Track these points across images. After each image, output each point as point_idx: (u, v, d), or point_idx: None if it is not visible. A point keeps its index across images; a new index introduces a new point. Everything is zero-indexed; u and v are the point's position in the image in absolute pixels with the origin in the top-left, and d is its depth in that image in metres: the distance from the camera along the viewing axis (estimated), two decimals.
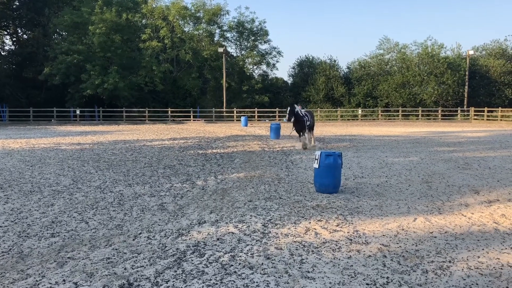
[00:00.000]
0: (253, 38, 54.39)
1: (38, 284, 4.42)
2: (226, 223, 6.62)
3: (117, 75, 41.70)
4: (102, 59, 43.17)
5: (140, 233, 6.13)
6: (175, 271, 4.73)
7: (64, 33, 47.03)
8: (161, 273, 4.67)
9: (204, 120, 42.58)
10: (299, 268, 4.81)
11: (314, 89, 51.39)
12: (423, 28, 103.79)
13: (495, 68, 48.83)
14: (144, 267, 4.84)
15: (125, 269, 4.80)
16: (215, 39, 53.67)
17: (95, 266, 4.89)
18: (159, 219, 6.86)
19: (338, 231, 6.22)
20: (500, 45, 53.17)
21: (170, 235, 6.02)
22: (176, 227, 6.43)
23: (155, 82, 45.41)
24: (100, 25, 41.87)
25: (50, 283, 4.43)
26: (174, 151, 16.20)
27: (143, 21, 50.18)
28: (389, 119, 45.56)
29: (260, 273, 4.67)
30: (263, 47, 55.15)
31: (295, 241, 5.72)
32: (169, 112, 42.78)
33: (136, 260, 5.07)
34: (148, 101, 46.49)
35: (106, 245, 5.61)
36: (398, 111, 45.76)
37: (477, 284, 4.40)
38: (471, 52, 46.93)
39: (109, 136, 23.67)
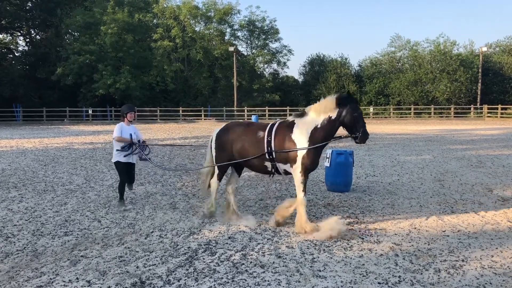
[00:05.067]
0: (263, 36, 54.35)
1: (52, 282, 4.48)
2: (238, 221, 6.63)
3: (129, 75, 41.94)
4: (114, 59, 43.42)
5: (152, 232, 6.17)
6: (187, 270, 4.75)
7: (76, 34, 47.37)
8: (173, 272, 4.70)
9: (215, 119, 42.66)
10: (311, 267, 4.80)
11: (325, 87, 51.11)
12: (435, 25, 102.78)
13: (509, 65, 48.09)
14: (156, 266, 4.88)
15: (137, 267, 4.84)
16: (226, 38, 53.68)
17: (107, 264, 4.94)
18: (171, 218, 6.90)
19: (349, 230, 6.19)
20: None
21: (181, 234, 6.05)
22: (187, 225, 6.46)
23: (166, 81, 45.54)
24: (112, 25, 42.12)
25: (64, 281, 4.49)
26: (186, 150, 16.27)
27: (154, 21, 50.37)
28: (401, 117, 45.17)
29: (272, 271, 4.68)
30: (273, 45, 55.11)
31: (306, 240, 5.71)
32: (181, 111, 42.89)
33: (148, 258, 5.11)
34: (160, 100, 46.66)
35: (118, 244, 5.66)
36: (410, 109, 45.35)
37: (490, 283, 4.36)
38: (484, 49, 46.28)
39: None
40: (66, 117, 41.84)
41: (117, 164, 7.53)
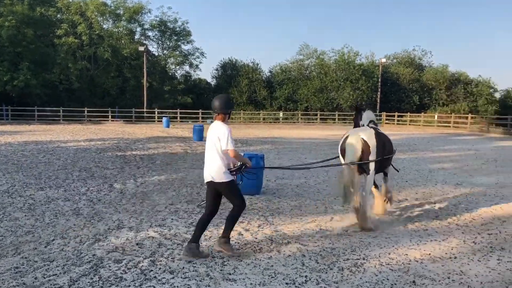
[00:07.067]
0: (175, 38, 53.72)
1: None
2: (146, 227, 6.46)
3: (28, 72, 39.11)
4: (12, 54, 40.21)
5: (53, 240, 5.80)
6: (91, 278, 4.53)
7: None
8: (76, 281, 4.45)
9: (123, 121, 41.16)
10: (221, 270, 4.82)
11: (237, 92, 51.77)
12: (340, 35, 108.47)
13: (405, 75, 52.44)
14: (57, 275, 4.59)
15: (35, 278, 4.51)
16: (136, 37, 52.24)
17: (1, 276, 4.55)
18: (74, 224, 6.53)
19: (259, 232, 6.32)
20: (409, 54, 57.32)
21: (86, 241, 5.75)
22: (92, 232, 6.16)
23: (70, 80, 43.19)
24: (10, 17, 38.94)
25: None
26: (91, 152, 15.50)
27: (58, 15, 47.49)
28: (308, 122, 47.08)
29: (181, 277, 4.62)
30: (186, 47, 54.72)
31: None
32: (86, 111, 40.67)
33: (48, 268, 4.79)
34: (63, 100, 44.02)
35: (14, 254, 5.24)
36: (316, 114, 47.43)
37: (388, 279, 4.68)
38: (384, 60, 49.92)
39: (18, 136, 22.06)
40: None
41: (234, 184, 5.29)
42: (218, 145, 5.04)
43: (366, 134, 6.77)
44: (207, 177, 5.17)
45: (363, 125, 7.66)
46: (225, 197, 5.31)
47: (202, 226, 5.26)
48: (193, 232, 5.31)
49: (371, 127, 7.21)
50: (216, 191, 5.20)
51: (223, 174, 5.07)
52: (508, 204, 8.38)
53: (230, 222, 5.22)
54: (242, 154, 8.90)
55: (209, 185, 5.23)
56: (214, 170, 5.08)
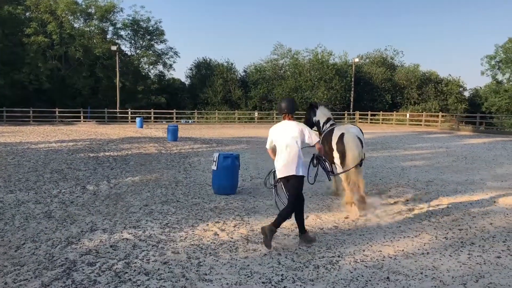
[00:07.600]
0: (148, 37, 53.25)
1: None
2: (120, 229, 6.36)
3: None
4: None
5: (24, 244, 5.65)
6: (64, 282, 4.43)
7: None
8: (48, 285, 4.35)
9: (96, 121, 40.48)
10: (197, 271, 4.79)
11: (212, 91, 51.61)
12: (314, 35, 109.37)
13: (377, 75, 53.29)
14: (28, 280, 4.47)
15: (5, 283, 4.39)
16: (108, 36, 51.49)
17: None
18: (46, 228, 6.38)
19: (235, 231, 6.31)
20: (381, 54, 58.31)
21: (58, 244, 5.62)
22: (65, 235, 6.03)
23: (41, 80, 42.20)
24: None
25: None
26: (63, 154, 15.18)
27: (27, 14, 46.35)
28: None
29: (157, 278, 4.57)
30: (159, 47, 54.34)
31: (192, 244, 5.68)
32: (57, 112, 39.76)
33: (19, 273, 4.67)
34: (33, 100, 42.98)
35: None
36: None
37: (362, 276, 4.74)
38: (357, 60, 50.60)
39: None
40: None
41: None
42: (299, 141, 5.64)
43: (357, 131, 7.55)
44: (289, 172, 5.61)
45: (318, 121, 8.53)
46: (295, 189, 5.64)
47: (298, 215, 5.76)
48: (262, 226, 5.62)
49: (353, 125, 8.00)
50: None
51: (304, 168, 5.67)
52: (478, 200, 8.61)
53: (299, 217, 5.77)
54: (217, 154, 8.92)
55: (287, 179, 5.69)
56: (300, 164, 5.62)
